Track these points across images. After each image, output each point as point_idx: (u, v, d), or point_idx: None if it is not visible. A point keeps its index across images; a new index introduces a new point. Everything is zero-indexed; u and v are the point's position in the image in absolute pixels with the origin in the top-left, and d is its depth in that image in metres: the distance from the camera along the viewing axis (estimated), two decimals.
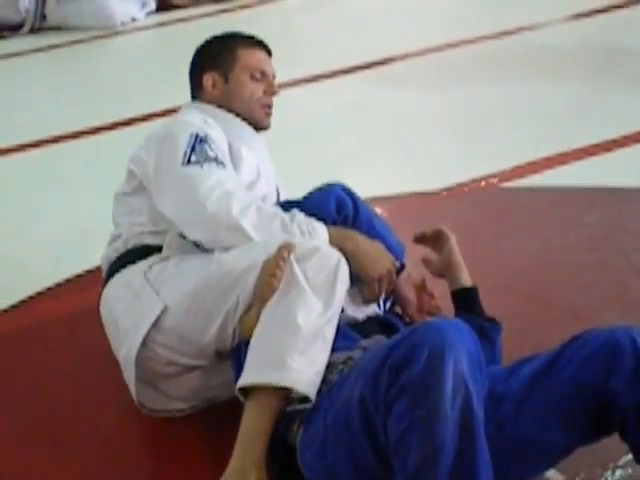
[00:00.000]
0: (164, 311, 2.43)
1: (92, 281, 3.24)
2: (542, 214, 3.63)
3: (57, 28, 7.46)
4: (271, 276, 2.29)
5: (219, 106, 2.80)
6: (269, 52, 2.90)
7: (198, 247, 2.53)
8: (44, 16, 7.51)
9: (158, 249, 2.58)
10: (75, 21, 7.41)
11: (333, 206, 2.59)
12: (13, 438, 2.60)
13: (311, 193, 2.66)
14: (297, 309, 2.26)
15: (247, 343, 2.33)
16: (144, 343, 2.45)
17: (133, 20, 7.50)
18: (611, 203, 3.66)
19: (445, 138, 4.53)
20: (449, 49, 5.90)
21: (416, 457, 1.86)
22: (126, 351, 2.49)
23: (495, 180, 3.92)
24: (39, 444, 2.56)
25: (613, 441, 2.05)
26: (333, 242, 2.46)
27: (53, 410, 2.69)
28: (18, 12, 7.46)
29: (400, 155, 4.35)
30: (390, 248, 2.58)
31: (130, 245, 2.63)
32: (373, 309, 2.58)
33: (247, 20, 7.26)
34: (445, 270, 2.61)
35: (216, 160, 2.53)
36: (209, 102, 2.82)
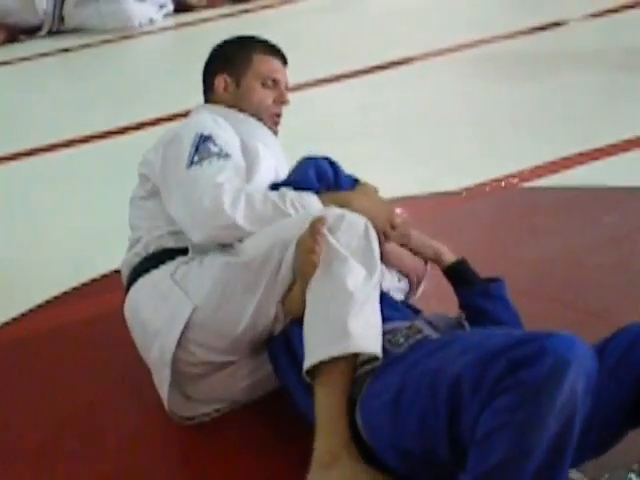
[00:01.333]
0: (194, 310, 2.43)
1: (110, 285, 3.26)
2: (562, 214, 3.62)
3: (75, 30, 7.51)
4: (310, 252, 2.30)
5: (230, 107, 2.81)
6: (285, 60, 2.89)
7: (224, 247, 2.53)
8: (62, 18, 7.56)
9: (180, 251, 2.58)
10: (93, 23, 7.44)
11: (313, 175, 2.61)
12: (31, 439, 2.60)
13: (292, 169, 2.68)
14: (344, 277, 2.27)
15: (298, 324, 2.33)
16: (178, 344, 2.44)
17: (151, 22, 7.53)
18: (630, 203, 3.65)
19: (465, 138, 4.52)
20: (467, 49, 5.90)
21: (499, 457, 1.83)
22: (158, 353, 2.48)
23: (515, 180, 3.91)
24: (58, 445, 2.57)
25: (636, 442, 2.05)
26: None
27: (71, 413, 2.70)
28: (36, 15, 7.50)
29: (420, 155, 4.34)
30: None
31: (151, 249, 2.63)
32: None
33: (267, 21, 7.29)
34: (422, 256, 2.65)
35: (218, 154, 2.54)
36: (220, 103, 2.83)
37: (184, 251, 2.58)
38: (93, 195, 4.28)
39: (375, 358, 2.21)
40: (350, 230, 2.35)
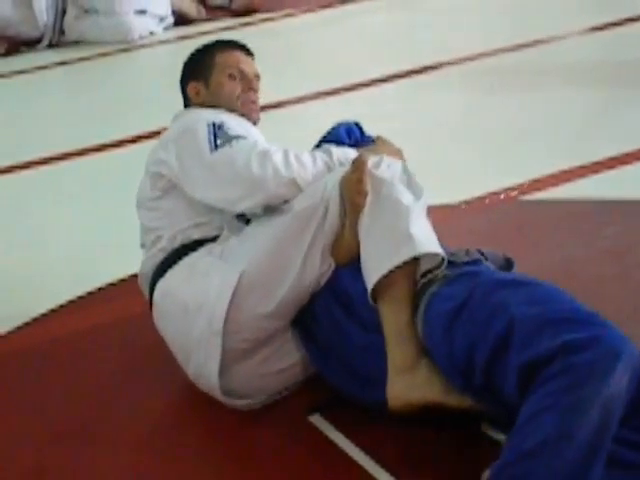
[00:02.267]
0: (242, 274, 2.45)
1: (113, 294, 3.26)
2: (561, 227, 3.62)
3: (75, 43, 7.52)
4: (359, 183, 2.39)
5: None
6: (248, 52, 2.96)
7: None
8: (62, 31, 7.57)
9: (208, 240, 2.61)
10: (93, 36, 7.46)
11: (344, 133, 2.83)
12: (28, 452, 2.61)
13: (326, 132, 2.87)
14: (396, 197, 2.38)
15: (345, 269, 2.42)
16: (226, 315, 2.45)
17: (151, 34, 7.55)
18: (630, 216, 3.65)
19: (463, 151, 4.53)
20: (465, 62, 5.90)
21: (542, 438, 1.86)
22: (205, 326, 2.47)
23: (514, 193, 3.91)
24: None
25: None
26: None
27: (83, 422, 2.70)
28: (36, 27, 7.51)
29: (418, 168, 4.32)
30: None
31: (177, 243, 2.64)
32: None
33: (267, 34, 7.30)
34: None
35: (239, 136, 2.61)
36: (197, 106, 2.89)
37: (212, 240, 2.60)
38: (90, 207, 4.28)
39: (435, 269, 2.28)
40: (390, 169, 2.48)
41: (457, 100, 5.33)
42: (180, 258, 2.60)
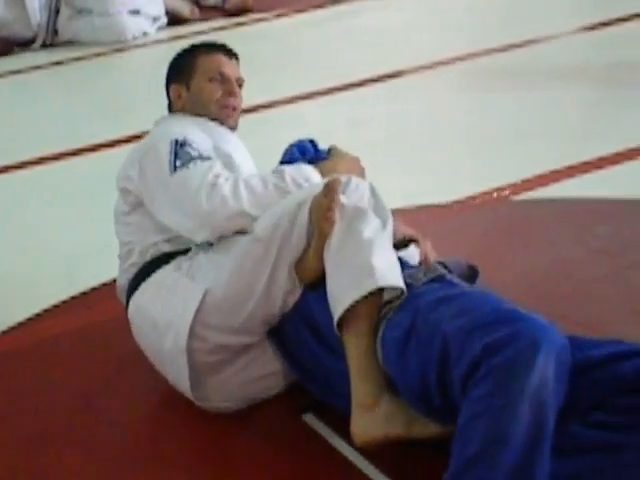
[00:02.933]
0: (206, 292, 2.45)
1: (105, 295, 3.26)
2: (553, 226, 3.63)
3: (69, 43, 7.51)
4: (329, 210, 2.37)
5: (187, 112, 2.87)
6: (231, 55, 2.94)
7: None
8: (56, 31, 7.56)
9: (179, 253, 2.61)
10: (87, 36, 7.45)
11: (297, 152, 2.79)
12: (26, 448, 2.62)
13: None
14: (363, 227, 2.36)
15: (311, 289, 2.43)
16: (191, 332, 2.46)
17: (145, 35, 7.54)
18: (621, 215, 3.66)
19: (455, 151, 4.54)
20: (457, 62, 5.91)
21: (479, 443, 1.89)
22: (172, 344, 2.49)
23: (506, 192, 3.92)
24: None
25: None
26: (324, 177, 2.58)
27: (71, 422, 2.71)
28: (30, 27, 7.50)
29: (410, 167, 4.35)
30: None
31: (148, 257, 2.65)
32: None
33: (261, 34, 7.31)
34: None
35: (200, 157, 2.60)
36: (178, 112, 2.90)
37: (183, 253, 2.61)
38: (84, 208, 4.28)
39: (395, 299, 2.29)
40: (358, 191, 2.47)
41: (450, 100, 5.34)
42: (151, 272, 2.61)
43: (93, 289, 3.42)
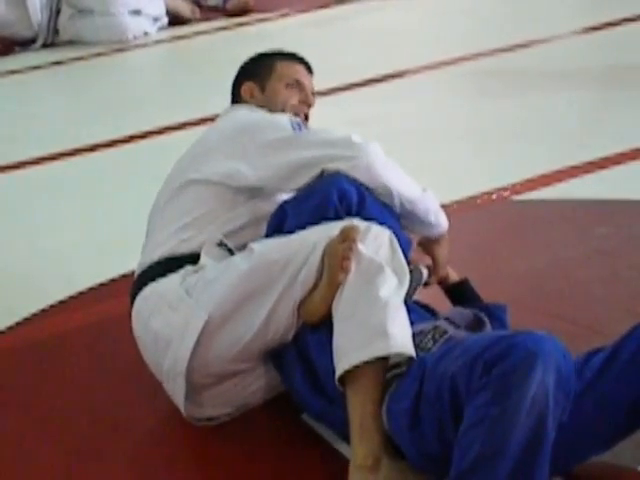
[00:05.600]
0: (208, 320, 2.42)
1: (106, 294, 3.26)
2: (553, 227, 3.63)
3: (70, 43, 7.51)
4: (345, 259, 2.30)
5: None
6: (309, 68, 2.95)
7: (231, 253, 2.56)
8: (57, 31, 7.56)
9: (188, 258, 2.57)
10: (88, 36, 7.45)
11: (335, 195, 2.50)
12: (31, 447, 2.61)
13: (311, 185, 2.57)
14: (380, 285, 2.29)
15: (311, 330, 2.37)
16: (191, 356, 2.43)
17: (145, 34, 7.54)
18: (621, 216, 3.66)
19: (455, 151, 4.53)
20: (459, 63, 5.91)
21: (477, 452, 1.87)
22: (171, 364, 2.47)
23: (507, 193, 3.92)
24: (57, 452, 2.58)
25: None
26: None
27: (72, 421, 2.70)
28: (30, 27, 7.50)
29: (411, 168, 4.33)
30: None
31: (156, 257, 2.61)
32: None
33: (263, 34, 7.30)
34: (434, 272, 2.70)
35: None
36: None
37: (192, 258, 2.57)
38: (83, 207, 4.28)
39: (402, 364, 2.24)
40: (376, 240, 2.39)
41: (451, 101, 5.34)
42: (159, 275, 2.57)
43: (91, 289, 3.40)
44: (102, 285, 3.39)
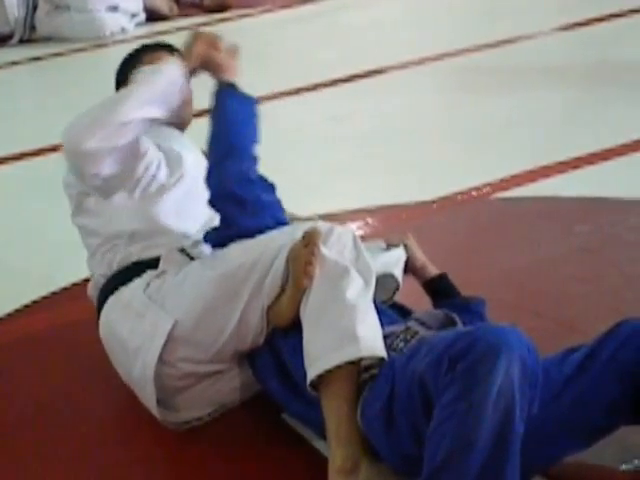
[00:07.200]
0: (175, 325, 2.42)
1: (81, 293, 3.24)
2: (535, 225, 3.63)
3: (47, 39, 7.47)
4: (307, 264, 2.29)
5: None
6: (172, 51, 2.91)
7: (192, 260, 2.55)
8: (33, 27, 7.53)
9: (147, 264, 2.58)
10: (65, 32, 7.41)
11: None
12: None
13: None
14: (346, 288, 2.28)
15: (283, 334, 2.36)
16: (160, 360, 2.43)
17: (123, 31, 7.51)
18: (603, 214, 3.66)
19: (438, 148, 4.53)
20: (444, 59, 5.91)
21: (447, 447, 1.88)
22: (140, 370, 2.46)
23: (489, 190, 3.92)
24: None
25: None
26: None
27: (50, 421, 2.69)
28: (7, 23, 7.47)
29: (393, 165, 4.35)
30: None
31: (115, 267, 2.62)
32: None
33: (244, 29, 7.28)
34: (411, 268, 2.69)
35: None
36: None
37: (150, 263, 2.58)
38: (62, 204, 4.24)
39: (375, 364, 2.24)
40: (340, 241, 2.38)
41: (433, 97, 5.35)
42: (120, 284, 2.57)
43: (74, 284, 3.38)
44: (86, 281, 3.37)
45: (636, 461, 2.22)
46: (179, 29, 7.42)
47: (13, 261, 3.73)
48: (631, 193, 3.76)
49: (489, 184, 3.96)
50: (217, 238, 2.53)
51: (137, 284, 2.54)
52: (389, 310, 2.53)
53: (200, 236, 2.62)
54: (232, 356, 2.48)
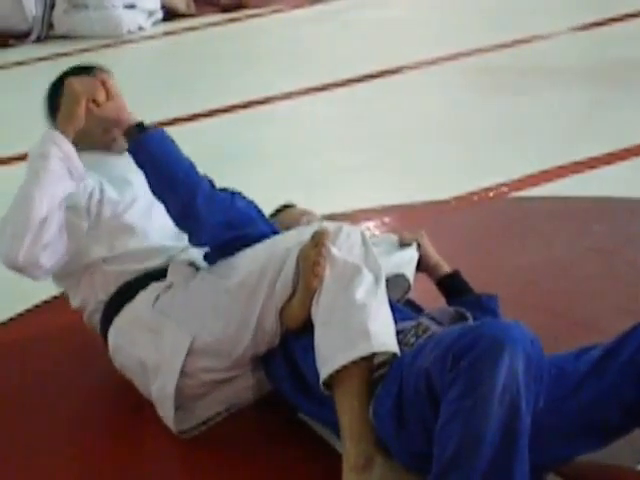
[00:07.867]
0: (193, 340, 2.42)
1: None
2: (551, 224, 3.63)
3: (64, 37, 7.50)
4: (316, 265, 2.30)
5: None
6: (89, 71, 2.94)
7: (197, 270, 2.56)
8: (51, 25, 7.56)
9: (149, 276, 2.58)
10: (82, 30, 7.44)
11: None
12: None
13: None
14: (356, 286, 2.29)
15: (295, 336, 2.37)
16: (180, 373, 2.44)
17: (140, 29, 7.53)
18: (618, 213, 3.66)
19: (454, 147, 4.53)
20: (458, 59, 5.91)
21: (455, 445, 1.88)
22: (161, 387, 2.47)
23: (505, 189, 3.92)
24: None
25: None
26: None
27: (51, 423, 2.69)
28: (25, 20, 7.50)
29: (410, 164, 4.35)
30: None
31: (112, 290, 2.61)
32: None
33: (257, 29, 7.30)
34: (425, 266, 2.69)
35: None
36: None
37: (153, 275, 2.58)
38: None
39: (388, 360, 2.24)
40: (349, 240, 2.38)
41: (448, 97, 5.33)
42: (125, 301, 2.57)
43: (55, 297, 3.35)
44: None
45: None
46: (194, 28, 7.46)
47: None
48: None
49: (505, 184, 3.96)
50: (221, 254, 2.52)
51: (144, 298, 2.55)
52: (401, 306, 2.53)
53: (184, 243, 2.61)
54: (250, 360, 2.49)
